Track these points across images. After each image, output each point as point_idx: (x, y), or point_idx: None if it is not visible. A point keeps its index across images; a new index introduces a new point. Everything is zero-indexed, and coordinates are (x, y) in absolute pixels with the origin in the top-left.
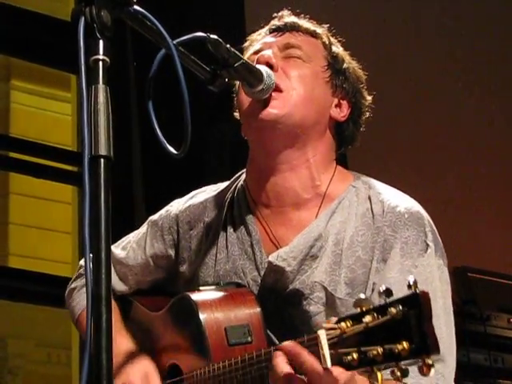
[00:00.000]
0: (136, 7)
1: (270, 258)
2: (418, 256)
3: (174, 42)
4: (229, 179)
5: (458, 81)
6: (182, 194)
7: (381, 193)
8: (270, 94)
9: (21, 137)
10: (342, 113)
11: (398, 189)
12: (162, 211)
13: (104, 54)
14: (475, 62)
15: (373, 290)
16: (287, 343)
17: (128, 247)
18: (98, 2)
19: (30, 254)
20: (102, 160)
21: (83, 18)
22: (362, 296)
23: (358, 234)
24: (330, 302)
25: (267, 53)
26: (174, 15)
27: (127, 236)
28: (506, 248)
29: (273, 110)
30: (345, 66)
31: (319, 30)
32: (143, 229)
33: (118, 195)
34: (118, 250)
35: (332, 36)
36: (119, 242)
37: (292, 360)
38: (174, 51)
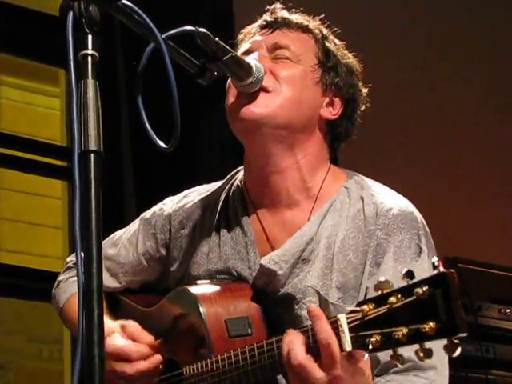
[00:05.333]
0: (124, 1)
1: (262, 261)
2: (412, 260)
3: (163, 36)
4: (220, 174)
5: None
6: (172, 188)
7: (373, 194)
8: (258, 91)
9: (9, 132)
10: (334, 111)
11: (388, 181)
12: (155, 209)
13: (93, 49)
14: (476, 53)
15: (365, 294)
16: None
17: (119, 244)
18: None
19: (20, 249)
20: (92, 155)
21: (72, 13)
22: (382, 278)
23: (349, 236)
24: (324, 307)
25: (254, 56)
26: (162, 9)
27: (117, 232)
28: (496, 238)
29: (255, 108)
30: (337, 61)
31: (312, 24)
32: (135, 225)
33: (108, 190)
34: (108, 246)
35: (327, 27)
36: (109, 238)
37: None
38: (162, 45)
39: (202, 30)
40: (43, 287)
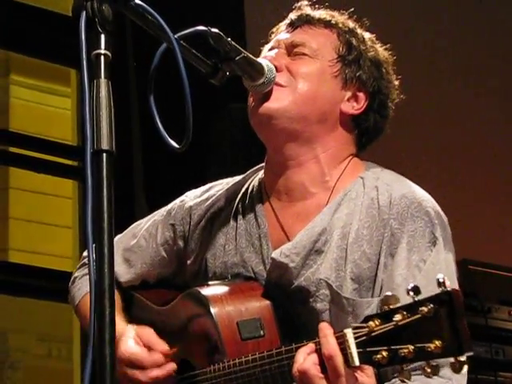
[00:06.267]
0: (137, 1)
1: (273, 255)
2: (426, 250)
3: (176, 36)
4: (230, 173)
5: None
6: (182, 188)
7: (388, 184)
8: (272, 89)
9: (20, 131)
10: (357, 105)
11: None
12: (177, 201)
13: (105, 49)
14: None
15: (382, 287)
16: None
17: (139, 235)
18: None
19: (30, 248)
20: (105, 154)
21: (84, 13)
22: (389, 293)
23: (364, 226)
24: (336, 300)
25: (271, 54)
26: (175, 10)
27: (137, 223)
28: (506, 240)
29: (269, 104)
30: (359, 54)
31: (336, 18)
32: (155, 217)
33: (119, 189)
34: (128, 237)
35: (355, 21)
36: (129, 229)
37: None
38: (175, 45)
39: (215, 30)
40: (53, 286)
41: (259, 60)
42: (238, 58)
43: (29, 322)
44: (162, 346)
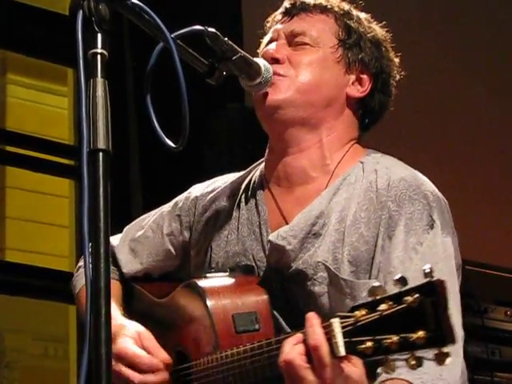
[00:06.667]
0: (134, 0)
1: (270, 237)
2: (423, 232)
3: (172, 36)
4: (226, 170)
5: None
6: (179, 187)
7: (388, 167)
8: (274, 81)
9: (17, 130)
10: (362, 88)
11: None
12: (184, 193)
13: (102, 48)
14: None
15: (379, 269)
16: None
17: (146, 226)
18: None
19: (27, 248)
20: (101, 154)
21: (81, 12)
22: (376, 284)
23: (361, 209)
24: (334, 282)
25: (271, 47)
26: (172, 9)
27: (145, 215)
28: (503, 241)
29: (274, 95)
30: (359, 36)
31: (330, 3)
32: (163, 209)
33: (116, 189)
34: (136, 229)
35: (350, 2)
36: (137, 220)
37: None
38: (171, 44)
39: (211, 29)
40: (50, 286)
41: (256, 59)
42: (234, 57)
43: (25, 321)
44: (162, 354)
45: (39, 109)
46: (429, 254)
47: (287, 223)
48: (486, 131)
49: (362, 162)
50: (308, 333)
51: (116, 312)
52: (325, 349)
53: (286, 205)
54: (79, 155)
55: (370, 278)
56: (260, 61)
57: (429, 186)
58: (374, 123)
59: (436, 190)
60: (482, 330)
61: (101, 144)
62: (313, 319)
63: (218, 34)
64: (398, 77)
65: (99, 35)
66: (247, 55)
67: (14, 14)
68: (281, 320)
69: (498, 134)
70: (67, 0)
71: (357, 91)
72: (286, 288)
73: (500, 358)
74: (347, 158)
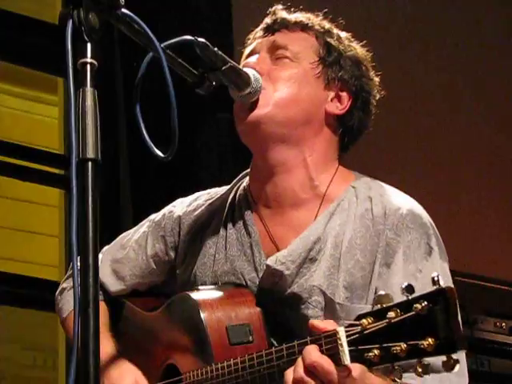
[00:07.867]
0: (124, 10)
1: (269, 262)
2: (422, 260)
3: (162, 45)
4: (218, 183)
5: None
6: (169, 197)
7: (382, 194)
8: (258, 98)
9: (7, 139)
10: (341, 105)
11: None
12: (165, 211)
13: (92, 57)
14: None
15: (375, 294)
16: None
17: (127, 246)
18: (86, 5)
19: (16, 257)
20: (90, 163)
21: (71, 21)
22: (382, 292)
23: (357, 236)
24: (329, 307)
25: (252, 59)
26: (162, 19)
27: (124, 234)
28: (492, 252)
29: (256, 111)
30: (339, 55)
31: (312, 21)
32: (143, 227)
33: (105, 198)
34: (116, 249)
35: (330, 21)
36: (117, 240)
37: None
38: (161, 54)
39: (201, 39)
40: (38, 295)
41: (246, 70)
42: (224, 67)
43: (14, 331)
44: None
45: (29, 118)
46: (428, 279)
47: (277, 247)
48: (477, 141)
49: (353, 187)
50: (304, 354)
51: (111, 349)
52: (326, 366)
53: (276, 228)
54: (69, 164)
55: (366, 304)
56: (249, 71)
57: (423, 213)
58: (353, 142)
59: (428, 216)
60: (472, 341)
61: (90, 153)
62: (319, 325)
63: (208, 44)
64: (378, 96)
65: (89, 45)
66: (237, 65)
67: (3, 23)
68: (272, 340)
69: (488, 146)
70: (57, 9)
71: (336, 108)
72: (279, 310)
73: (489, 370)
74: (336, 181)
